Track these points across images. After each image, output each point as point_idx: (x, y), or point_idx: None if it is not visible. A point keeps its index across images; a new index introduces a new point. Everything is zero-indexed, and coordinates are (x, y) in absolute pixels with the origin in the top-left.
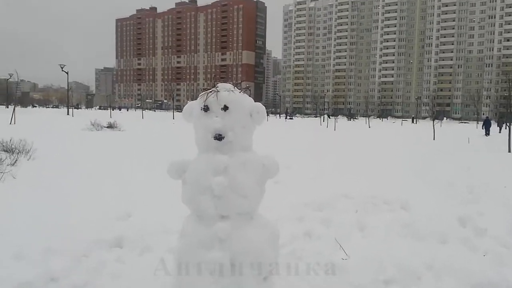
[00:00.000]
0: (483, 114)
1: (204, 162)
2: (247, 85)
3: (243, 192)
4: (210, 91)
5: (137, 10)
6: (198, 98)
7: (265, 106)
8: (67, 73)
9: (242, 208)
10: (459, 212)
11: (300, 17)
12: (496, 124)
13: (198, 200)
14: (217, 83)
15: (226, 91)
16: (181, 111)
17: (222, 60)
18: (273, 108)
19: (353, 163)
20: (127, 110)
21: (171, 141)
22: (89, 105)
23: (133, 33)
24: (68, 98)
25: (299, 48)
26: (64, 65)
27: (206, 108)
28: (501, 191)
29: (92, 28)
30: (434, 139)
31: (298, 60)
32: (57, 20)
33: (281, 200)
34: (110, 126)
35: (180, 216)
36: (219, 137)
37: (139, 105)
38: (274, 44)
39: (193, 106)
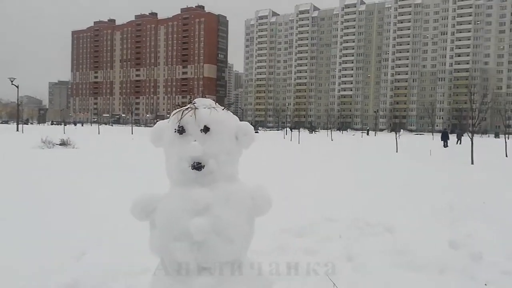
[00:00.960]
0: (437, 126)
1: (178, 198)
2: (222, 104)
3: (230, 236)
4: (186, 108)
5: (95, 22)
6: (171, 117)
7: None
8: (17, 86)
9: (228, 256)
10: (447, 234)
11: (261, 31)
12: (455, 136)
13: (171, 249)
14: (193, 98)
15: (207, 108)
16: (140, 126)
17: (183, 73)
18: None
19: (325, 180)
20: (82, 125)
21: (131, 159)
22: (41, 120)
23: (90, 45)
24: (18, 113)
25: (260, 62)
26: (14, 79)
27: (181, 130)
28: (481, 207)
29: (45, 41)
30: (397, 151)
31: (260, 74)
32: (8, 31)
33: (257, 226)
34: (63, 143)
35: (147, 253)
36: (198, 166)
37: (96, 119)
38: (236, 57)
39: (163, 127)
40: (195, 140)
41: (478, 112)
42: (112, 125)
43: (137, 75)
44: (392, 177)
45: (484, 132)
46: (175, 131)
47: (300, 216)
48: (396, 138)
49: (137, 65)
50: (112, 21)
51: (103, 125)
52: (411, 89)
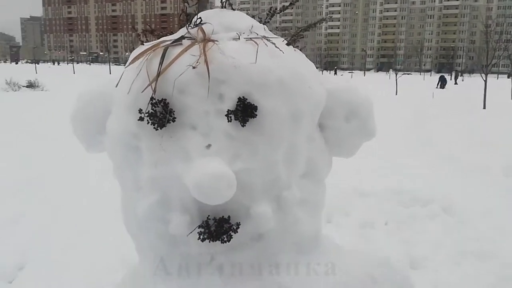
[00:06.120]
0: (424, 65)
1: None
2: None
3: None
4: (178, 41)
5: None
6: (127, 68)
7: None
8: None
9: None
10: None
11: None
12: (451, 77)
13: None
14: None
15: (242, 40)
16: (119, 65)
17: (162, 8)
18: None
19: None
20: (58, 64)
21: None
22: (14, 58)
23: None
24: None
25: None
26: None
27: (162, 115)
28: None
29: None
30: (396, 94)
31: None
32: None
33: None
34: (31, 85)
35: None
36: (219, 229)
37: (72, 58)
38: None
39: (105, 99)
40: (210, 145)
41: (494, 51)
42: (90, 64)
43: (113, 10)
44: (412, 129)
45: (471, 71)
46: (144, 118)
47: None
48: (396, 80)
49: None
50: None
51: (81, 63)
52: (399, 27)
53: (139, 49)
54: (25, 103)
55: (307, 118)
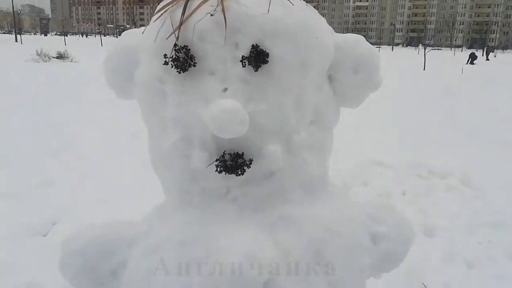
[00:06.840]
0: (455, 40)
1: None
2: None
3: None
4: None
5: None
6: (153, 21)
7: None
8: None
9: None
10: None
11: None
12: (483, 52)
13: None
14: None
15: None
16: None
17: None
18: None
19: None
20: (87, 36)
21: None
22: (43, 30)
23: None
24: (15, 22)
25: None
26: None
27: (184, 60)
28: None
29: None
30: (424, 69)
31: None
32: None
33: None
34: (60, 56)
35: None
36: (235, 163)
37: (99, 30)
38: None
39: (135, 47)
40: (226, 89)
41: None
42: (117, 37)
43: None
44: (437, 102)
45: (505, 47)
46: (168, 62)
47: (344, 162)
48: (424, 55)
49: None
50: None
51: (108, 36)
52: (431, 0)
53: (164, 2)
54: (55, 73)
55: (315, 67)
